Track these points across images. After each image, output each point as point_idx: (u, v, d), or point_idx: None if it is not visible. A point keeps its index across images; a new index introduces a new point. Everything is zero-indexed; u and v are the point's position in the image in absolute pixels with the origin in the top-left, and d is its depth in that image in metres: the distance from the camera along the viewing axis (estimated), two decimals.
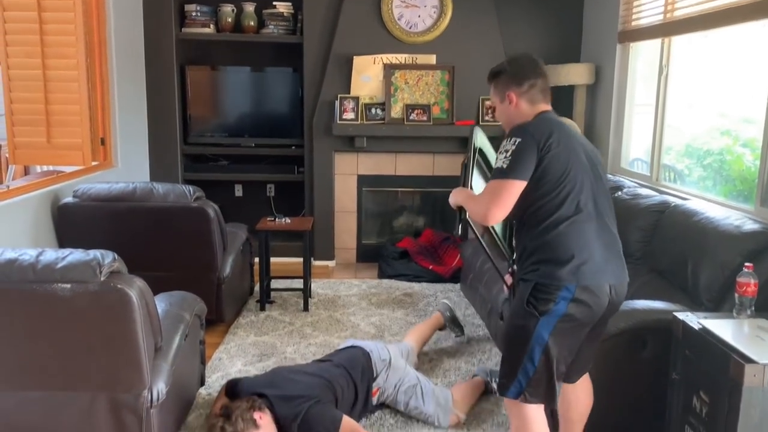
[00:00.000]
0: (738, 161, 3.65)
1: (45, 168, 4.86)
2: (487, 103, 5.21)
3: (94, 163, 4.33)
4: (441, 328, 3.66)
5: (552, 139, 2.04)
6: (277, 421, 2.58)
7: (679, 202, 3.33)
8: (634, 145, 4.68)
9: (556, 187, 2.04)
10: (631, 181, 4.15)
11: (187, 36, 5.30)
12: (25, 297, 2.12)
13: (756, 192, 3.13)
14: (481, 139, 2.50)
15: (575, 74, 4.91)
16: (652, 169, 4.22)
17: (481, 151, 2.47)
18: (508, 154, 2.03)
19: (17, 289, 2.11)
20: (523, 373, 2.07)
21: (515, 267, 2.26)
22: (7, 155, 4.74)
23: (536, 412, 2.15)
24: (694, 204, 3.22)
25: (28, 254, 2.16)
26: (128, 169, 4.77)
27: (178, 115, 5.34)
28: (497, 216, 2.04)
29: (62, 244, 3.69)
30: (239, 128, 5.57)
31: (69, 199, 3.62)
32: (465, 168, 2.34)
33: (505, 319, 2.16)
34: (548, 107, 2.23)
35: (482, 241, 2.33)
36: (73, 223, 3.61)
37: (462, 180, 2.33)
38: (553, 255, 2.04)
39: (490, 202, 2.03)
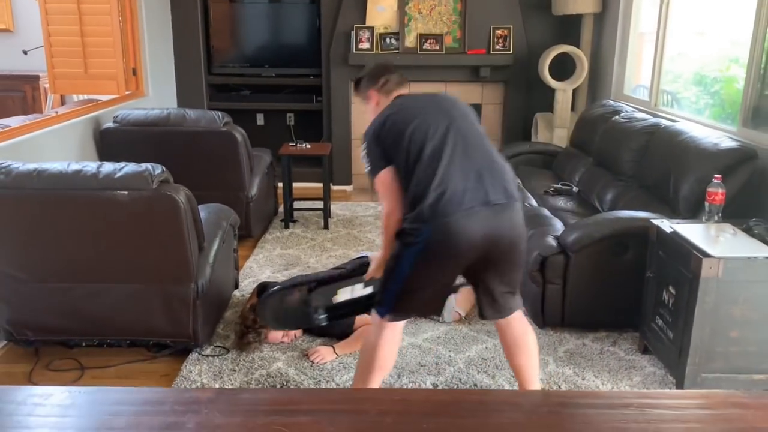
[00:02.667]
0: (729, 84, 3.87)
1: (81, 97, 5.19)
2: (498, 32, 5.41)
3: (127, 92, 4.66)
4: None
5: (387, 123, 2.23)
6: None
7: (668, 123, 3.60)
8: (643, 73, 4.86)
9: (406, 152, 2.18)
10: (631, 107, 4.40)
11: None
12: (90, 202, 2.50)
13: (739, 113, 3.38)
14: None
15: (583, 3, 5.06)
16: (651, 95, 4.46)
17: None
18: (364, 158, 2.27)
19: (83, 195, 2.49)
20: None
21: None
22: (46, 85, 5.09)
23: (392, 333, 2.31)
24: (681, 125, 3.49)
25: (90, 166, 2.53)
26: (158, 98, 5.10)
27: (201, 46, 5.61)
28: (393, 204, 2.19)
29: None
30: (260, 59, 5.83)
31: (110, 124, 3.97)
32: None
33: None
34: (404, 92, 2.42)
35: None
36: (113, 145, 3.96)
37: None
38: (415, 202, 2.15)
39: (382, 199, 2.24)
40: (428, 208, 2.08)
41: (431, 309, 2.46)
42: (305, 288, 2.65)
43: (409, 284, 2.19)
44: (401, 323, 2.31)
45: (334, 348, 2.91)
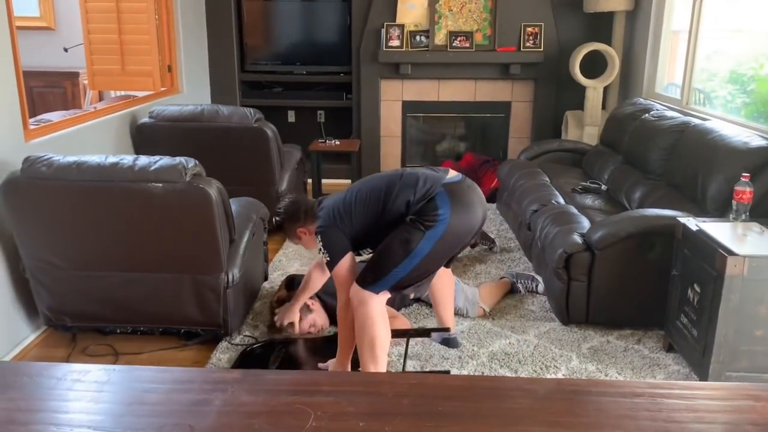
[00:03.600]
0: (763, 83, 3.81)
1: (118, 93, 5.34)
2: (528, 29, 5.40)
3: (162, 89, 4.78)
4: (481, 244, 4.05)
5: (337, 211, 2.46)
6: (327, 308, 3.07)
7: (698, 122, 3.57)
8: (676, 72, 4.81)
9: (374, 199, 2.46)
10: (662, 105, 4.36)
11: None
12: (126, 193, 2.60)
13: None
14: None
15: (614, 0, 5.03)
16: (683, 93, 4.41)
17: None
18: (323, 250, 2.41)
19: (119, 187, 2.59)
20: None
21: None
22: (85, 82, 5.24)
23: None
24: (711, 123, 3.46)
25: (126, 159, 2.63)
26: (193, 95, 5.22)
27: (235, 44, 5.72)
28: (350, 279, 2.41)
29: None
30: (291, 56, 5.91)
31: (146, 119, 4.09)
32: None
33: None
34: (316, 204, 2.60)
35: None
36: (149, 140, 4.08)
37: None
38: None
39: (344, 287, 2.43)
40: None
41: (425, 280, 2.56)
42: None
43: (426, 263, 2.35)
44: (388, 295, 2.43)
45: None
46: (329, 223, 2.42)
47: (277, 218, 2.73)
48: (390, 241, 2.36)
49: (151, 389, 1.22)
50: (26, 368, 1.37)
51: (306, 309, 3.03)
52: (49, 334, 3.06)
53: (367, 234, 2.43)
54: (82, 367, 1.28)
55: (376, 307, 2.37)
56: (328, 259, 2.41)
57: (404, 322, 3.05)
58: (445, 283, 2.85)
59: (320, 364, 2.71)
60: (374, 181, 2.49)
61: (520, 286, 3.49)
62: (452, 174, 2.47)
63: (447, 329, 2.92)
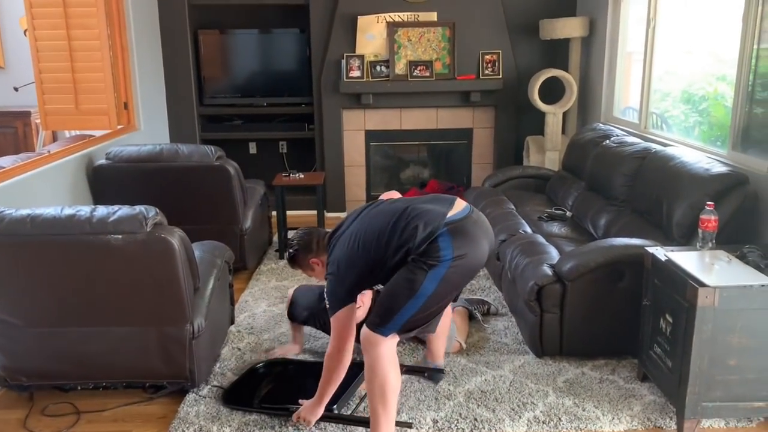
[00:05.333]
0: (717, 104, 3.90)
1: (73, 133, 5.19)
2: (487, 57, 5.46)
3: (119, 127, 4.66)
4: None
5: (353, 245, 2.40)
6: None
7: (659, 148, 3.63)
8: (631, 94, 4.91)
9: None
10: (622, 130, 4.43)
11: (198, 2, 5.54)
12: (84, 247, 2.49)
13: (729, 136, 3.41)
14: None
15: (570, 27, 5.13)
16: (641, 117, 4.49)
17: None
18: (327, 298, 2.41)
19: (77, 240, 2.48)
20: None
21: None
22: (38, 121, 5.09)
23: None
24: (672, 150, 3.52)
25: (83, 210, 2.52)
26: (150, 131, 5.10)
27: (193, 78, 5.63)
28: (348, 342, 2.42)
29: (97, 202, 4.05)
30: (251, 88, 5.86)
31: (103, 161, 3.97)
32: None
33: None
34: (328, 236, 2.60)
35: None
36: (107, 182, 3.96)
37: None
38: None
39: (342, 335, 2.42)
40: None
41: (433, 320, 2.53)
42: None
43: (431, 302, 2.30)
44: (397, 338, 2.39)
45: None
46: (334, 271, 2.41)
47: (290, 250, 2.66)
48: (394, 283, 2.32)
49: None
50: None
51: None
52: (3, 395, 2.90)
53: (375, 274, 2.40)
54: None
55: (387, 351, 2.33)
56: (328, 306, 2.42)
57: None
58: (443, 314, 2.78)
59: (300, 401, 2.63)
60: (376, 223, 2.40)
61: (476, 313, 3.49)
62: (458, 208, 2.37)
63: (441, 370, 2.92)
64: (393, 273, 2.34)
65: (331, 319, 2.42)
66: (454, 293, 2.51)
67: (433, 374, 2.93)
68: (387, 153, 5.93)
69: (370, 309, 2.87)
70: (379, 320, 2.32)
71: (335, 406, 2.60)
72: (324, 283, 2.51)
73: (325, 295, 2.43)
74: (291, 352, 3.20)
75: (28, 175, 3.41)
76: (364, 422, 2.54)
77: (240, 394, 2.82)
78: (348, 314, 2.39)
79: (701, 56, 4.10)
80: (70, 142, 4.41)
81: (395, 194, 2.85)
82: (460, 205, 2.39)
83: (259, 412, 2.71)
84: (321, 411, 2.54)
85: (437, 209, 2.34)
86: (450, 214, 2.32)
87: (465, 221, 2.34)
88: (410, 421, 2.64)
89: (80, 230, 2.46)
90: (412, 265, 2.29)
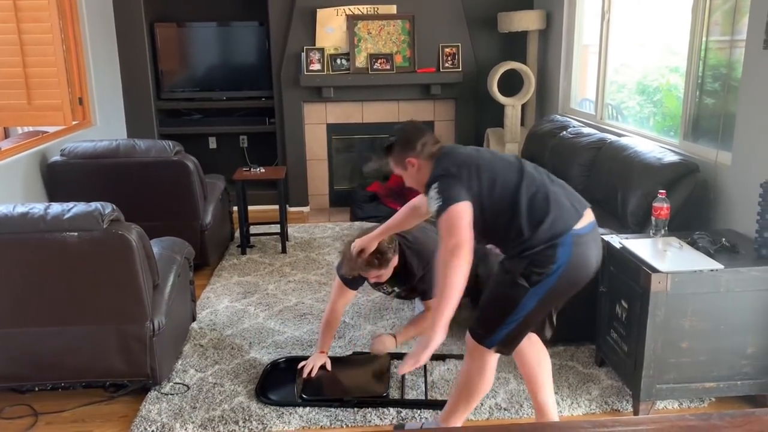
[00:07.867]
0: (669, 95, 4.01)
1: (26, 129, 5.06)
2: (447, 50, 5.49)
3: (74, 123, 4.56)
4: None
5: (461, 161, 2.17)
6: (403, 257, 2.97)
7: (614, 138, 3.71)
8: (588, 86, 5.01)
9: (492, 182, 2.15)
10: (578, 121, 4.51)
11: None
12: (38, 245, 2.44)
13: (680, 126, 3.51)
14: None
15: (528, 20, 5.19)
16: (597, 109, 4.59)
17: None
18: (437, 196, 2.08)
19: (31, 238, 2.42)
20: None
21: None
22: None
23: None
24: (626, 140, 3.61)
25: (37, 207, 2.47)
26: (107, 127, 5.00)
27: (150, 72, 5.53)
28: (468, 242, 2.02)
29: (52, 200, 3.95)
30: (210, 82, 5.79)
31: (57, 158, 3.88)
32: None
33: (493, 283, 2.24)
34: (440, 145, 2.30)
35: None
36: (62, 180, 3.87)
37: None
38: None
39: (455, 231, 2.02)
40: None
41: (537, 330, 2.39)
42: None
43: (530, 318, 2.17)
44: None
45: (395, 336, 3.08)
46: (455, 173, 2.10)
47: (391, 137, 2.30)
48: (493, 294, 2.21)
49: None
50: None
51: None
52: None
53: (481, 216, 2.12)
54: None
55: (492, 362, 2.27)
56: (440, 204, 2.05)
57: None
58: (541, 357, 2.45)
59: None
60: (504, 171, 2.16)
61: None
62: (586, 220, 2.16)
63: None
64: (488, 232, 2.16)
65: (441, 218, 2.07)
66: (553, 307, 2.32)
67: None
68: (349, 146, 5.93)
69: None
70: (482, 332, 2.21)
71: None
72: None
73: (433, 195, 2.09)
74: (319, 361, 2.95)
75: None
76: (439, 405, 2.61)
77: (276, 391, 2.81)
78: (461, 210, 2.03)
79: (654, 48, 4.21)
80: (23, 139, 4.30)
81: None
82: (587, 219, 2.19)
83: (311, 405, 2.72)
84: (440, 339, 2.03)
85: (568, 207, 2.15)
86: (577, 227, 2.12)
87: (589, 236, 2.16)
88: (402, 422, 2.65)
89: (34, 228, 2.41)
90: (513, 276, 2.12)
